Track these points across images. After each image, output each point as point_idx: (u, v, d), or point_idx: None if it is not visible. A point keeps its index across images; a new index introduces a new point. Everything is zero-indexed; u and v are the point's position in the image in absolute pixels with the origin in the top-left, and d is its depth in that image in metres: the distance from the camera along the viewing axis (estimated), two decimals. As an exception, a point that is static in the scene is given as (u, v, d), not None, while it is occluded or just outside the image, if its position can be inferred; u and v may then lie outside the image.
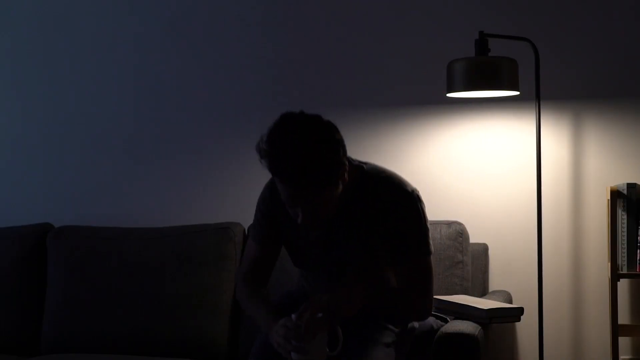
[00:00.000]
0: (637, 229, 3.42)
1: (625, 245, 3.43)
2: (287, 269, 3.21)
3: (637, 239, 3.42)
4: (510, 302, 3.51)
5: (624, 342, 3.63)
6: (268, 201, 2.79)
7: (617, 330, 3.40)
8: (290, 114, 2.55)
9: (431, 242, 2.79)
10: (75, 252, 3.75)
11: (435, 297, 3.25)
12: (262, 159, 2.51)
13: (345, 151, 2.58)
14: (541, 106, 3.54)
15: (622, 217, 3.44)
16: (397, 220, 2.70)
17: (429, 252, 2.77)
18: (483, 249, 3.64)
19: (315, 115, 2.56)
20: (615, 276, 3.40)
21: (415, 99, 3.79)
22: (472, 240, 3.62)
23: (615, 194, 3.45)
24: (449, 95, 3.47)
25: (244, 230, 3.73)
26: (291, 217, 2.68)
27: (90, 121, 4.11)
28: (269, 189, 2.80)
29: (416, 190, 2.75)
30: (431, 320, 2.99)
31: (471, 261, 3.54)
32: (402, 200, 2.71)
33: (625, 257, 3.43)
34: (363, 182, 2.70)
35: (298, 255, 2.87)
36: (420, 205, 2.74)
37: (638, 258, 3.42)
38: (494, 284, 3.72)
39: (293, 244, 2.85)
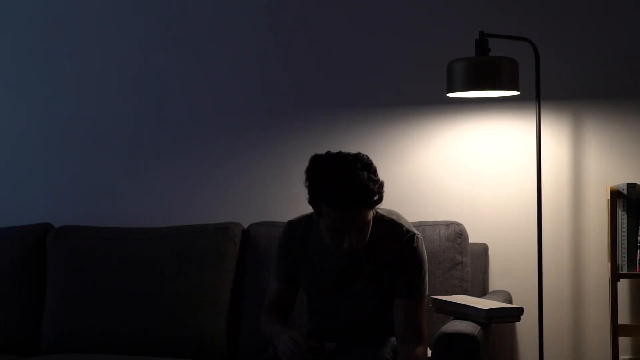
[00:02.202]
0: (637, 229, 3.42)
1: (625, 245, 3.43)
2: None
3: (637, 239, 3.42)
4: (510, 302, 3.51)
5: (624, 342, 3.63)
6: (288, 242, 3.09)
7: (617, 330, 3.40)
8: (321, 155, 2.90)
9: (427, 285, 3.02)
10: (75, 252, 3.75)
11: (434, 297, 3.26)
12: (318, 194, 2.84)
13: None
14: (541, 106, 3.54)
15: (622, 217, 3.44)
16: (400, 259, 2.98)
17: (423, 294, 3.00)
18: (483, 249, 3.64)
19: (340, 151, 2.91)
20: (615, 276, 3.40)
21: (415, 99, 3.79)
22: (472, 240, 3.61)
23: (615, 194, 3.45)
24: (449, 95, 3.47)
25: (244, 230, 3.73)
26: (307, 258, 3.03)
27: (91, 121, 4.11)
28: (288, 233, 3.09)
29: (418, 233, 3.02)
30: None
31: (471, 261, 3.54)
32: (407, 242, 2.99)
33: (625, 257, 3.43)
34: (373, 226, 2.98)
35: (313, 299, 3.13)
36: (422, 249, 3.01)
37: (638, 258, 3.41)
38: (494, 284, 3.72)
39: (309, 285, 3.09)
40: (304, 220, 3.08)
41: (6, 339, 3.74)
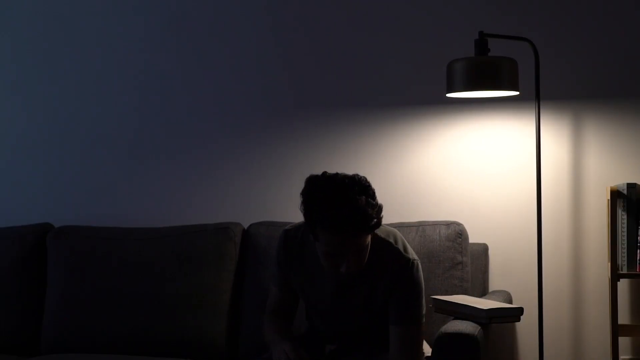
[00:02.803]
0: (637, 229, 3.42)
1: (625, 245, 3.43)
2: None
3: (637, 239, 3.42)
4: (510, 302, 3.51)
5: (624, 342, 3.63)
6: (284, 251, 3.02)
7: (617, 330, 3.40)
8: (317, 176, 2.80)
9: (424, 311, 2.95)
10: (75, 252, 3.75)
11: (434, 297, 3.26)
12: (314, 217, 2.75)
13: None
14: (541, 106, 3.54)
15: (622, 217, 3.44)
16: (395, 284, 2.90)
17: (419, 322, 2.92)
18: (483, 249, 3.64)
19: (337, 173, 2.82)
20: (615, 276, 3.40)
21: (415, 99, 3.79)
22: (472, 240, 3.62)
23: (615, 194, 3.45)
24: (449, 95, 3.47)
25: (244, 230, 3.73)
26: (304, 268, 2.97)
27: (91, 121, 4.11)
28: (284, 243, 3.03)
29: (416, 259, 2.93)
30: None
31: (471, 261, 3.54)
32: (403, 268, 2.90)
33: (625, 257, 3.43)
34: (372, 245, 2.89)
35: (310, 306, 3.09)
36: (418, 275, 2.92)
37: (638, 258, 3.41)
38: (494, 284, 3.72)
39: (305, 294, 3.05)
40: (302, 228, 3.00)
41: (6, 339, 3.74)
